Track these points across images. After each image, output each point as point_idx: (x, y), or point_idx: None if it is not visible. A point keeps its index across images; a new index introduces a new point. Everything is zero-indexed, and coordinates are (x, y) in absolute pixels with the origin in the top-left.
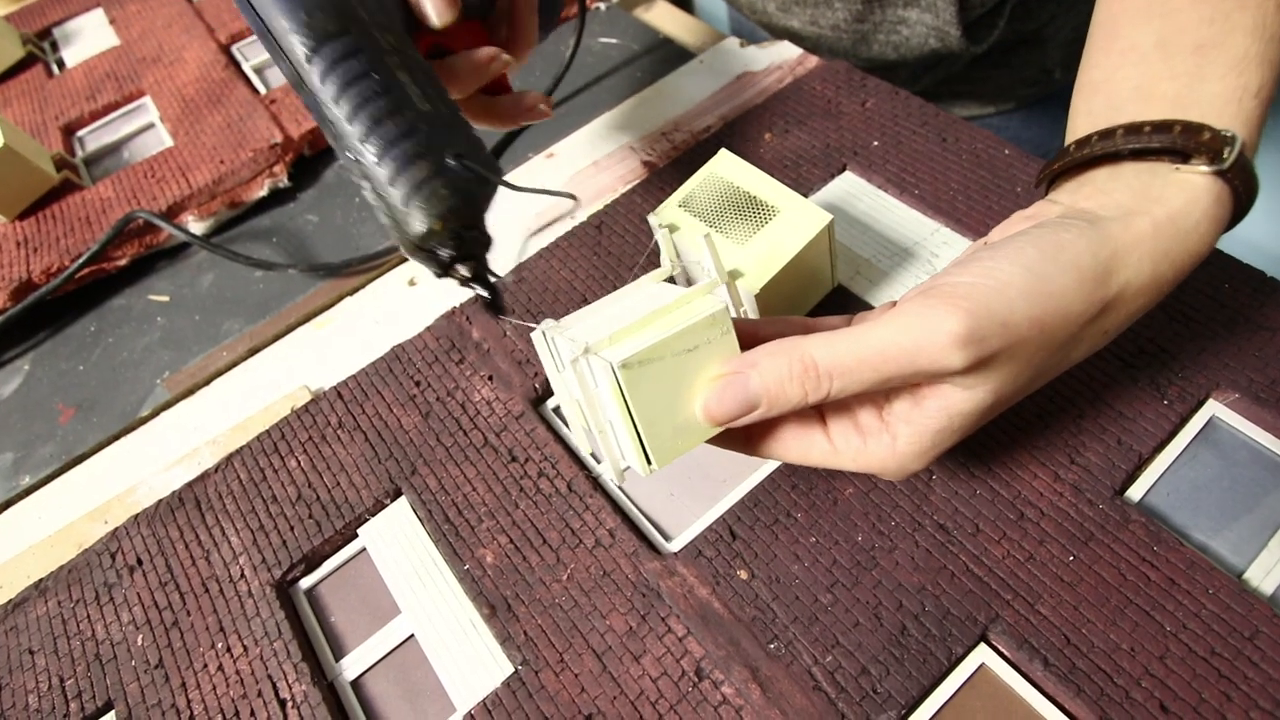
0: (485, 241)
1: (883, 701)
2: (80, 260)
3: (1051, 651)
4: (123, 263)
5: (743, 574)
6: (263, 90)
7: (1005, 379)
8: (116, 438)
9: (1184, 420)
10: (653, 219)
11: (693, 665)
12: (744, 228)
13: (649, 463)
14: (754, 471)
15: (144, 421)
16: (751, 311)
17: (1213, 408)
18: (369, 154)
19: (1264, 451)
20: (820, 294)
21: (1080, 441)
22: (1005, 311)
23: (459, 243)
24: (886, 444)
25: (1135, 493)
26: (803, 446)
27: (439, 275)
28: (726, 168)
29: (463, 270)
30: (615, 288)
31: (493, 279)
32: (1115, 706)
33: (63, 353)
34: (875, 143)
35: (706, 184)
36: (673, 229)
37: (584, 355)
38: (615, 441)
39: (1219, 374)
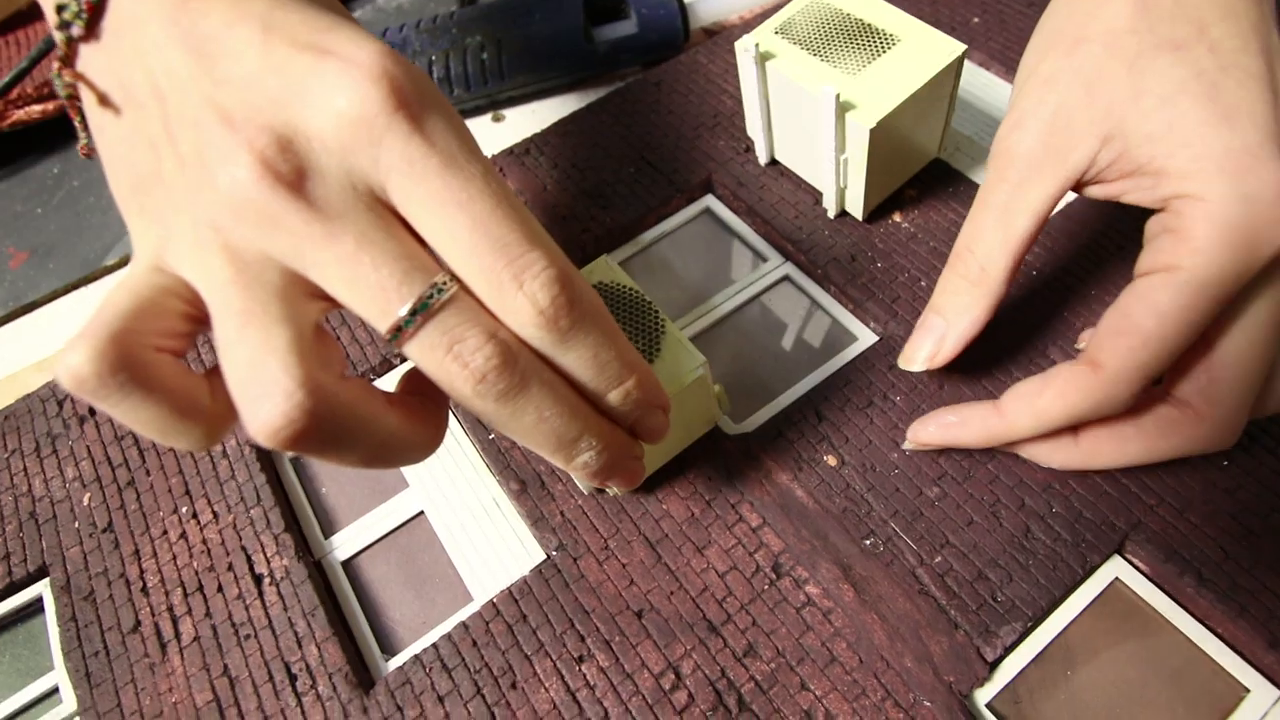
0: None
1: (1005, 611)
2: None
3: (1207, 566)
4: None
5: (830, 460)
6: None
7: None
8: (75, 286)
9: None
10: (742, 45)
11: (769, 560)
12: (856, 56)
13: None
14: (842, 349)
15: (108, 271)
16: (858, 157)
17: None
18: None
19: None
20: (922, 162)
21: None
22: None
23: None
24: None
25: None
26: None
27: None
28: None
29: None
30: (676, 155)
31: None
32: None
33: (19, 194)
34: (975, 19)
35: (810, 9)
36: (766, 57)
37: None
38: None
39: None
